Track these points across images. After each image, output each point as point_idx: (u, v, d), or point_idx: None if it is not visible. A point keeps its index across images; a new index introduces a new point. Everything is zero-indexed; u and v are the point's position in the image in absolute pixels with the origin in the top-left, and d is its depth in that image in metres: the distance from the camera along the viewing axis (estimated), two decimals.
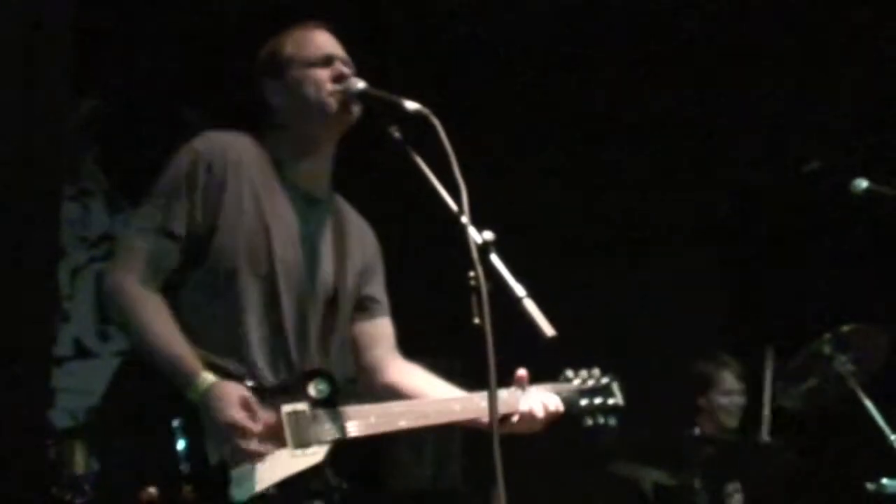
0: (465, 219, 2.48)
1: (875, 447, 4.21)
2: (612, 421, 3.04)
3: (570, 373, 3.07)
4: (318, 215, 2.92)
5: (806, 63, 6.00)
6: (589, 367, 3.09)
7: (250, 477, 2.58)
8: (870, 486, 4.15)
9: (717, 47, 5.92)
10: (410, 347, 3.10)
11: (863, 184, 3.82)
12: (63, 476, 4.72)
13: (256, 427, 2.58)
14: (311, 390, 2.70)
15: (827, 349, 4.44)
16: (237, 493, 2.57)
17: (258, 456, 2.59)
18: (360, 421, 2.74)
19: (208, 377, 2.60)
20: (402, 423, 2.80)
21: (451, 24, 5.81)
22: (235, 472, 2.58)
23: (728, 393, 5.05)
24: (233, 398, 2.58)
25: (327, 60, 2.89)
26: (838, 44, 5.83)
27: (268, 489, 2.60)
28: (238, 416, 2.56)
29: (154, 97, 6.03)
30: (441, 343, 3.13)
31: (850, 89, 6.14)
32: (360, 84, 2.83)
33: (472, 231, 2.48)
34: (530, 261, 2.79)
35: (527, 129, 6.46)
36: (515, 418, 2.88)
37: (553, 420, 2.94)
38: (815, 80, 6.11)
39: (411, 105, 2.63)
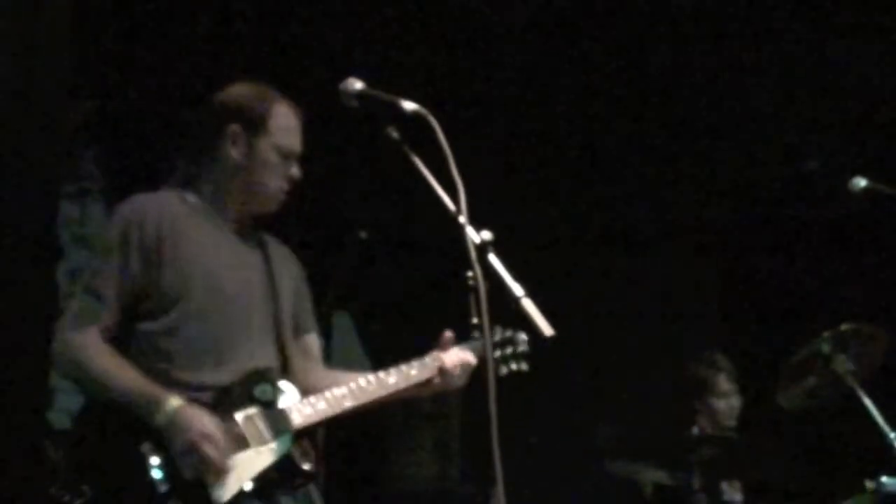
0: (463, 219, 2.49)
1: (875, 446, 4.21)
2: (525, 366, 3.35)
3: (476, 333, 3.22)
4: (249, 248, 3.12)
5: (806, 62, 6.00)
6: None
7: (227, 480, 2.80)
8: (869, 484, 4.15)
9: (717, 46, 5.91)
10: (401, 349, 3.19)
11: (861, 183, 3.81)
12: (62, 476, 4.72)
13: (222, 442, 2.80)
14: (257, 393, 2.92)
15: (826, 348, 4.43)
16: (217, 495, 2.78)
17: (224, 470, 2.79)
18: (310, 409, 2.98)
19: (176, 399, 2.79)
20: (348, 403, 3.03)
21: (449, 23, 5.81)
22: (211, 481, 2.78)
23: (724, 395, 5.05)
24: (202, 415, 2.80)
25: (293, 156, 3.08)
26: (839, 43, 5.83)
27: (243, 486, 2.82)
28: (210, 428, 2.78)
29: (154, 97, 6.03)
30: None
31: (850, 89, 6.14)
32: (358, 84, 2.83)
33: (470, 231, 2.49)
34: (528, 261, 2.79)
35: (525, 129, 6.45)
36: (437, 379, 3.17)
37: (469, 371, 3.21)
38: (816, 79, 6.11)
39: (409, 105, 2.65)
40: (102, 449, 2.84)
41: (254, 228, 3.18)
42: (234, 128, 3.03)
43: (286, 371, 3.08)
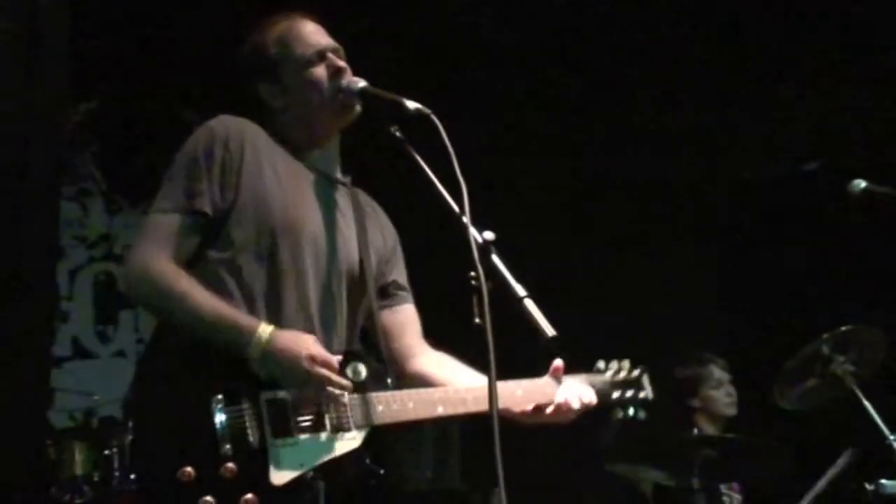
0: (465, 219, 2.48)
1: (874, 447, 4.21)
2: (642, 414, 3.03)
3: (601, 364, 3.06)
4: (338, 196, 2.90)
5: (806, 62, 6.01)
6: (619, 359, 3.09)
7: (290, 460, 2.56)
8: (869, 486, 4.15)
9: (718, 46, 5.92)
10: None
11: (861, 184, 3.81)
12: (62, 476, 4.72)
13: (335, 362, 2.58)
14: (349, 372, 2.66)
15: (826, 349, 4.44)
16: (277, 475, 2.54)
17: (342, 389, 2.58)
18: (399, 406, 2.70)
19: (266, 325, 2.58)
20: (441, 410, 2.75)
21: (449, 23, 5.81)
22: (275, 455, 2.55)
23: (719, 384, 5.09)
24: (306, 338, 2.59)
25: (321, 55, 2.88)
26: (839, 43, 5.84)
27: (307, 472, 2.58)
28: (317, 349, 2.56)
29: (153, 97, 6.03)
30: (440, 342, 3.11)
31: (850, 89, 6.14)
32: (361, 83, 2.83)
33: (472, 231, 2.48)
34: (529, 260, 2.79)
35: (526, 128, 6.45)
36: (550, 409, 2.85)
37: (585, 411, 2.92)
38: (815, 79, 6.11)
39: (412, 104, 2.63)
40: (168, 396, 2.56)
41: (346, 178, 2.95)
42: (262, 88, 2.89)
43: (357, 331, 2.82)
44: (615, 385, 3.03)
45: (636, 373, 3.07)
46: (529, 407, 2.86)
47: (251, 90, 2.93)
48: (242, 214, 2.70)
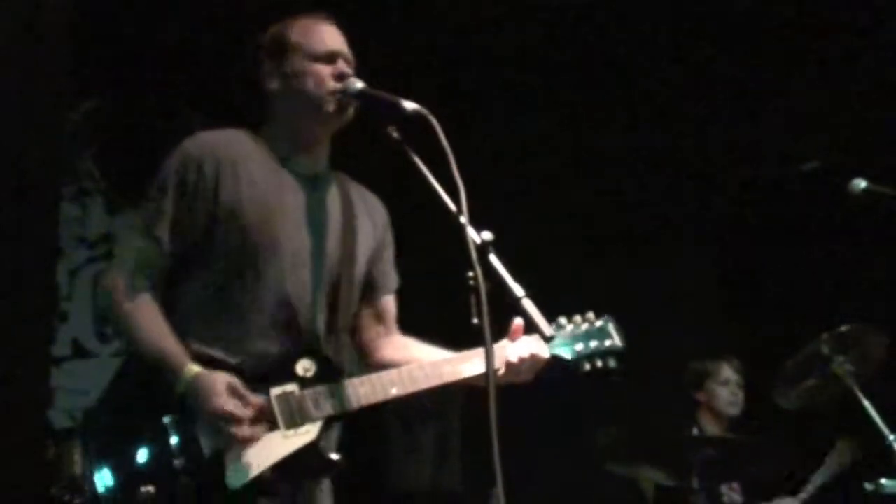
0: (463, 219, 2.48)
1: (874, 447, 4.21)
2: (612, 363, 2.94)
3: (562, 319, 3.00)
4: (323, 195, 2.94)
5: (806, 62, 6.01)
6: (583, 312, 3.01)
7: (245, 462, 2.63)
8: (868, 485, 4.15)
9: (718, 45, 5.92)
10: None
11: (862, 184, 3.81)
12: (63, 476, 4.73)
13: (246, 412, 2.64)
14: (299, 369, 2.74)
15: (825, 349, 4.44)
16: (233, 479, 2.63)
17: (250, 441, 2.63)
18: (351, 394, 2.75)
19: (193, 368, 2.65)
20: (394, 391, 2.80)
21: (449, 23, 5.81)
22: (230, 460, 2.63)
23: (725, 383, 5.11)
24: (219, 386, 2.63)
25: (331, 57, 2.90)
26: (839, 43, 5.84)
27: (263, 472, 2.64)
28: (225, 403, 2.61)
29: (154, 97, 6.03)
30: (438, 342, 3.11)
31: (850, 89, 6.14)
32: (359, 84, 2.84)
33: (470, 231, 2.48)
34: (529, 260, 2.79)
35: (524, 129, 6.45)
36: (501, 370, 2.87)
37: (542, 367, 2.92)
38: (816, 79, 6.11)
39: (409, 105, 2.64)
40: (127, 417, 2.71)
41: (331, 171, 2.99)
42: (266, 65, 2.93)
43: (340, 339, 2.86)
44: (577, 338, 2.95)
45: (599, 323, 2.98)
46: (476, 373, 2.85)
47: (255, 70, 2.96)
48: (221, 233, 2.78)
